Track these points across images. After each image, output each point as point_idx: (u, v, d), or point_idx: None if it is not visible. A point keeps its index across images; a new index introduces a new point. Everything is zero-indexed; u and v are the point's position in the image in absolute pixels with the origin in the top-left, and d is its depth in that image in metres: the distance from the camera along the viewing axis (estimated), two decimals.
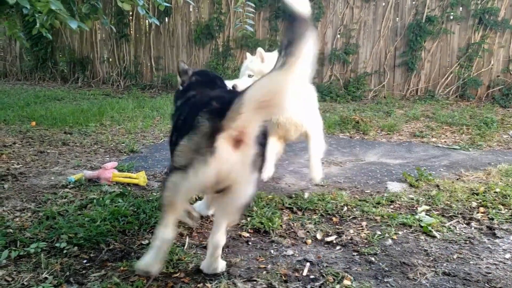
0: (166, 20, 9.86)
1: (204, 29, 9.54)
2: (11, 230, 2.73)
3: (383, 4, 8.85)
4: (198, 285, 2.22)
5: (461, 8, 8.45)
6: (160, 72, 10.08)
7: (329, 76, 9.21)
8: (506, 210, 3.17)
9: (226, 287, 2.20)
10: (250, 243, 2.74)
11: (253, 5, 4.55)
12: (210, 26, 9.49)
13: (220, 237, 2.26)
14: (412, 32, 8.60)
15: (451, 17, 8.52)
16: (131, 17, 10.06)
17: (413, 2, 8.67)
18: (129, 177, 3.71)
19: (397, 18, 8.82)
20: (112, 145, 4.97)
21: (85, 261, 2.45)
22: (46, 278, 2.24)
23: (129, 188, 3.54)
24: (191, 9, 9.84)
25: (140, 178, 3.70)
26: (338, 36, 9.10)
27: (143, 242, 2.66)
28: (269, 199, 3.37)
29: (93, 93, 9.01)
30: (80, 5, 3.47)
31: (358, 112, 6.77)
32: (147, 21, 10.12)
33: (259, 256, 2.55)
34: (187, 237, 2.77)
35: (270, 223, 2.93)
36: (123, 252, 2.56)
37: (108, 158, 4.46)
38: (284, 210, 3.20)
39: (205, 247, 2.63)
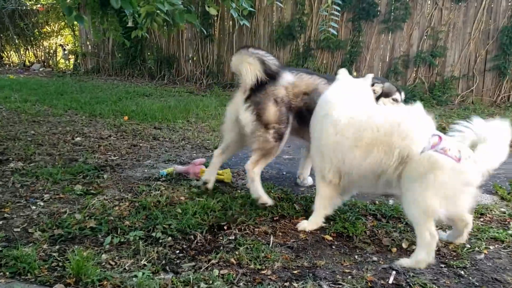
0: (249, 21, 10.07)
1: (285, 29, 9.63)
2: (112, 218, 2.96)
3: (475, 5, 8.42)
4: (285, 284, 2.29)
5: None
6: None
7: (414, 79, 8.93)
8: None
9: None
10: (333, 246, 2.77)
11: (338, 8, 4.54)
12: (291, 26, 9.55)
13: None
14: (506, 36, 8.10)
15: None
16: (215, 18, 10.39)
17: (509, 4, 8.16)
18: (216, 174, 3.87)
19: (490, 20, 8.34)
20: (198, 142, 5.21)
21: (178, 251, 2.62)
22: (145, 265, 2.43)
23: (216, 184, 3.70)
24: (274, 10, 9.97)
25: (225, 175, 3.85)
26: (425, 37, 8.78)
27: (230, 238, 2.78)
28: (352, 204, 3.38)
29: (178, 91, 9.42)
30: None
31: (445, 118, 6.51)
32: (231, 21, 10.40)
33: (344, 260, 2.58)
34: (272, 236, 2.86)
35: (353, 228, 2.94)
36: (213, 245, 2.70)
37: (195, 154, 4.68)
38: (368, 216, 3.19)
39: (289, 247, 2.72)
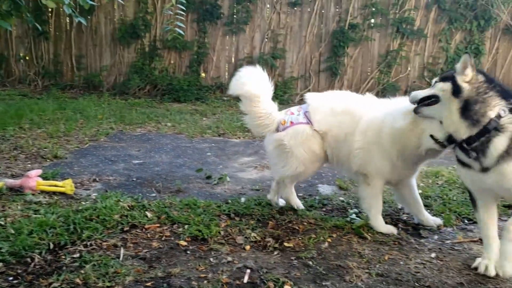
0: (89, 18, 9.42)
1: (129, 28, 9.24)
2: None
3: (309, 10, 9.11)
4: None
5: (380, 17, 8.92)
6: (82, 72, 9.62)
7: None
8: (429, 210, 3.39)
9: None
10: (188, 252, 2.70)
11: (183, 8, 4.48)
12: (135, 25, 9.21)
13: None
14: (336, 39, 8.94)
15: (372, 25, 8.97)
16: (50, 14, 9.51)
17: (337, 10, 9.02)
18: (55, 185, 3.51)
19: (322, 25, 9.12)
20: (33, 151, 4.67)
21: (11, 278, 2.29)
22: None
23: (55, 198, 3.35)
24: (115, 7, 9.51)
25: (67, 186, 3.51)
26: (266, 40, 9.23)
27: (74, 256, 2.53)
28: (206, 206, 3.35)
29: (9, 93, 8.41)
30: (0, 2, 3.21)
31: None
32: (67, 18, 9.62)
33: (199, 265, 2.52)
34: (122, 248, 2.67)
35: (208, 231, 2.91)
36: (54, 266, 2.41)
37: (30, 165, 4.19)
38: (222, 216, 3.19)
39: (142, 258, 2.57)
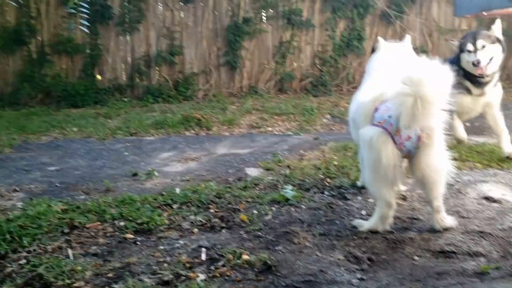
0: None
1: (12, 34, 8.59)
2: None
3: (202, 5, 9.24)
4: None
5: (271, 10, 9.36)
6: None
7: (158, 77, 9.25)
8: (347, 178, 3.75)
9: (134, 285, 2.19)
10: (138, 243, 2.73)
11: (87, 5, 4.38)
12: (19, 31, 8.58)
13: None
14: (231, 33, 9.19)
15: (264, 18, 9.38)
16: None
17: (229, 5, 9.26)
18: None
19: (216, 20, 9.31)
20: None
21: None
22: None
23: None
24: None
25: None
26: (162, 38, 9.18)
27: (21, 262, 2.43)
28: (142, 200, 3.36)
29: None
30: None
31: (197, 110, 7.02)
32: None
33: (154, 252, 2.57)
34: (69, 249, 2.62)
35: (152, 221, 2.94)
36: (3, 275, 2.30)
37: None
38: (162, 207, 3.24)
39: (94, 255, 2.55)
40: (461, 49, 4.13)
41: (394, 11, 9.34)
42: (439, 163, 2.51)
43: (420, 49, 9.47)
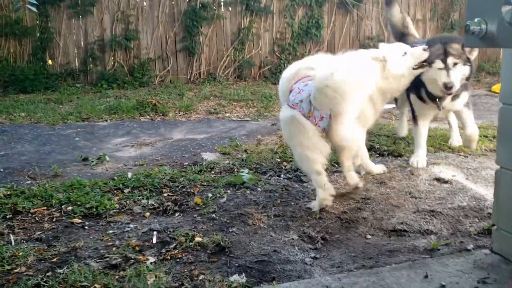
0: None
1: None
2: None
3: None
4: (48, 274, 2.05)
5: None
6: None
7: (113, 62, 8.96)
8: None
9: (80, 269, 2.08)
10: (86, 227, 2.62)
11: None
12: None
13: None
14: (188, 18, 8.99)
15: (222, 4, 9.24)
16: None
17: None
18: None
19: (173, 5, 9.09)
20: None
21: None
22: None
23: None
24: None
25: None
26: (116, 22, 8.88)
27: None
28: (92, 184, 3.23)
29: None
30: None
31: (152, 96, 6.84)
32: None
33: (102, 236, 2.48)
34: (11, 235, 2.48)
35: (101, 206, 2.83)
36: None
37: None
38: (113, 191, 3.12)
39: (37, 239, 2.42)
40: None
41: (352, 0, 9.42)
42: (347, 135, 2.70)
43: (377, 38, 9.64)
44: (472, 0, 1.48)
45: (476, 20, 1.39)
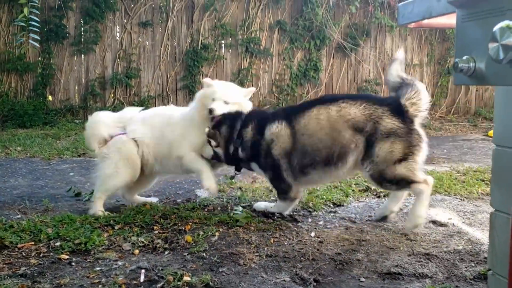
0: None
1: None
2: None
3: (160, 30, 9.21)
4: None
5: (230, 37, 9.42)
6: None
7: (112, 99, 9.05)
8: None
9: None
10: (73, 264, 2.55)
11: (37, 19, 4.23)
12: None
13: None
14: (190, 58, 9.16)
15: (223, 45, 9.43)
16: None
17: (189, 30, 9.27)
18: None
19: (175, 45, 9.28)
20: None
21: None
22: None
23: None
24: None
25: None
26: (118, 60, 9.04)
27: None
28: (82, 220, 3.17)
29: None
30: None
31: None
32: None
33: (89, 273, 2.41)
34: None
35: (90, 242, 2.77)
36: None
37: None
38: (103, 227, 3.06)
39: (22, 275, 2.35)
40: None
41: (350, 43, 9.61)
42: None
43: (374, 82, 9.78)
44: (460, 37, 1.49)
45: (464, 57, 1.41)
